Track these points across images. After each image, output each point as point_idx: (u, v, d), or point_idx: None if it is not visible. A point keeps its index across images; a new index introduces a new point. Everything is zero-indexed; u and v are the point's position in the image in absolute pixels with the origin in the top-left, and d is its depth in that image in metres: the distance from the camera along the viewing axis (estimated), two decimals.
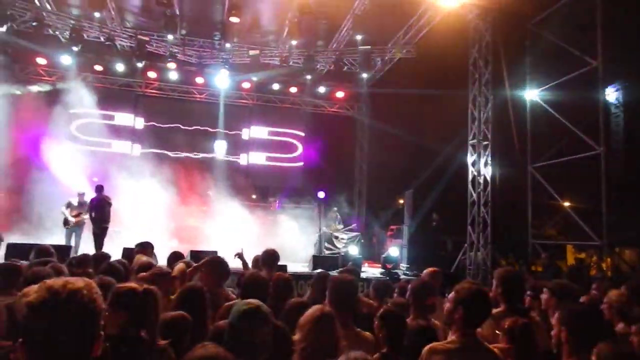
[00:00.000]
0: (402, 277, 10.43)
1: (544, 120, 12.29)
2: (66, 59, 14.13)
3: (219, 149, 16.74)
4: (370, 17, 12.19)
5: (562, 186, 12.35)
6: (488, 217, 11.56)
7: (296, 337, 2.56)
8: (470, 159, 11.94)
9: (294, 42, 13.80)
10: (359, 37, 13.58)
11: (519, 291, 3.60)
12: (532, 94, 12.64)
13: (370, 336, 3.14)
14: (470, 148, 11.97)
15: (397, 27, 13.54)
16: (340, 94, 17.12)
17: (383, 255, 12.11)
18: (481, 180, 11.69)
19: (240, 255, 5.55)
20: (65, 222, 10.67)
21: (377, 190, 17.46)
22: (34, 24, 12.42)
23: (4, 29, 12.20)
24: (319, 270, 5.66)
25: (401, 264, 12.13)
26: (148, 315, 2.47)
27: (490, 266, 11.15)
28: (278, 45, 14.74)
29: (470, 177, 11.93)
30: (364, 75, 15.61)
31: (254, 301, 2.56)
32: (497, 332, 2.93)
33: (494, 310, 3.35)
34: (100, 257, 4.83)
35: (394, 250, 12.25)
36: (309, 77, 15.21)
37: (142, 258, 5.51)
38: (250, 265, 5.54)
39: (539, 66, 12.65)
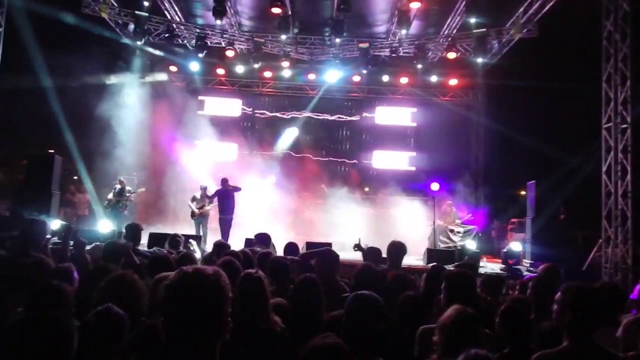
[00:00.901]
0: (525, 273, 9.78)
1: None
2: (194, 66, 15.44)
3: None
4: None
5: None
6: (628, 209, 10.29)
7: (436, 339, 2.48)
8: (604, 144, 10.72)
9: (403, 32, 13.51)
10: (472, 20, 12.86)
11: None
12: None
13: (490, 334, 3.00)
14: (604, 132, 10.73)
15: (516, 4, 12.56)
16: (453, 82, 16.32)
17: (504, 250, 11.42)
18: (619, 169, 10.45)
19: (359, 247, 5.58)
20: (192, 214, 11.77)
21: (496, 181, 16.48)
22: (166, 35, 13.84)
23: (142, 42, 13.79)
24: (433, 264, 5.51)
25: (524, 260, 11.34)
26: (264, 302, 2.62)
27: (632, 265, 9.96)
28: (388, 36, 14.58)
29: (604, 165, 10.71)
30: (479, 60, 14.77)
31: (366, 293, 2.58)
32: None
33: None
34: (221, 246, 5.19)
35: (515, 245, 11.45)
36: (419, 66, 14.79)
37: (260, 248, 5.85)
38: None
39: None
